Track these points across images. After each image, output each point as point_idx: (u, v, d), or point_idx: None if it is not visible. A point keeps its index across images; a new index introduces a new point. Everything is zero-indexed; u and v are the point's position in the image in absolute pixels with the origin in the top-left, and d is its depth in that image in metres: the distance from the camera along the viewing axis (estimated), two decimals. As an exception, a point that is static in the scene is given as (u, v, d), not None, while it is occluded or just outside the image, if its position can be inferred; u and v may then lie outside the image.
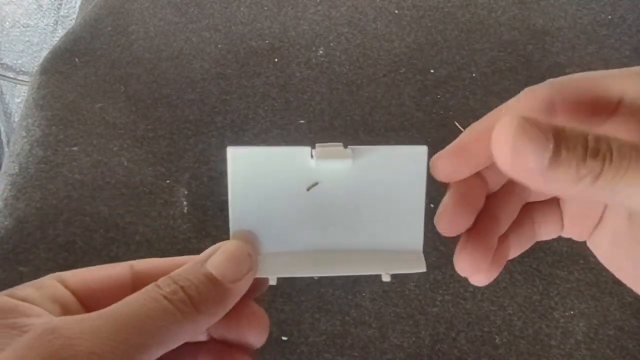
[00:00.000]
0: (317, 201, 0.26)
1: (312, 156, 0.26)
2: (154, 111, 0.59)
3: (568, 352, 0.44)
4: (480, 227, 0.27)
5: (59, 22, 1.08)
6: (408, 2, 0.71)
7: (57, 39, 0.81)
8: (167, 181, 0.53)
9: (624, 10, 0.71)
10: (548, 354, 0.44)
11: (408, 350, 0.44)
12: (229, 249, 0.26)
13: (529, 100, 0.27)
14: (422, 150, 0.27)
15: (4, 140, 1.16)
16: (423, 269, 0.27)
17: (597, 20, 0.69)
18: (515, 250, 0.29)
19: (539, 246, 0.49)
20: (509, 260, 0.50)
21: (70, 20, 1.08)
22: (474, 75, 0.63)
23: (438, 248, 0.49)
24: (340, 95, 0.61)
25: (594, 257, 0.48)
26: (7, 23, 1.09)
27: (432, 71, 0.63)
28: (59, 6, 1.07)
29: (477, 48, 0.66)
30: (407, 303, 0.46)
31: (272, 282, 0.27)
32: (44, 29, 1.09)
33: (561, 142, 0.21)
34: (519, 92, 0.28)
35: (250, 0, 0.71)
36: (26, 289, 0.26)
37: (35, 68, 0.63)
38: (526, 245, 0.30)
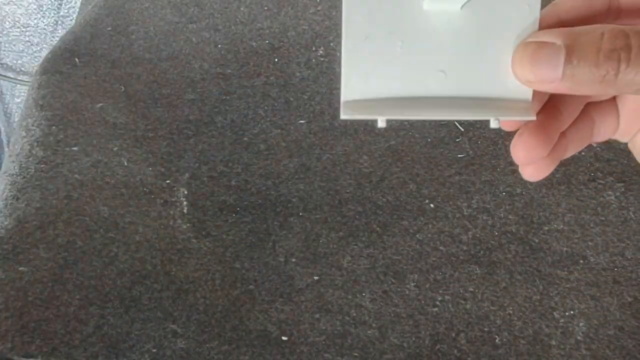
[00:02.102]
0: (429, 45, 0.25)
1: None
2: (153, 111, 0.59)
3: (568, 352, 0.44)
4: (543, 118, 0.27)
5: (59, 22, 1.08)
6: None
7: (57, 39, 0.81)
8: (167, 181, 0.53)
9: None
10: (548, 354, 0.44)
11: (408, 350, 0.44)
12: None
13: None
14: None
15: (4, 140, 1.16)
16: (533, 118, 0.26)
17: (597, 20, 0.69)
18: (572, 147, 0.29)
19: (539, 246, 0.49)
20: (509, 260, 0.50)
21: (70, 20, 1.08)
22: (474, 75, 0.63)
23: (438, 248, 0.49)
24: (340, 95, 0.61)
25: (594, 257, 0.49)
26: (7, 23, 1.09)
27: (432, 71, 0.63)
28: (59, 6, 1.07)
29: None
30: (407, 303, 0.46)
31: (382, 123, 0.26)
32: (44, 29, 1.09)
33: (573, 50, 0.21)
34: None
35: (250, 0, 0.71)
36: None
37: (35, 68, 0.63)
38: (582, 145, 0.29)
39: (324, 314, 0.45)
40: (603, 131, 0.29)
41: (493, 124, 0.26)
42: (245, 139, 0.56)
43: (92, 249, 0.47)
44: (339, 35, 0.67)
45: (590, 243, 0.49)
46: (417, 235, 0.49)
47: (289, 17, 0.69)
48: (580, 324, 0.45)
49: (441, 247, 0.48)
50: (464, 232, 0.49)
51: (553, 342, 0.44)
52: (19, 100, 1.14)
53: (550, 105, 0.27)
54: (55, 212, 0.48)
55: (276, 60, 0.64)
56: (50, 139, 0.54)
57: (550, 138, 0.26)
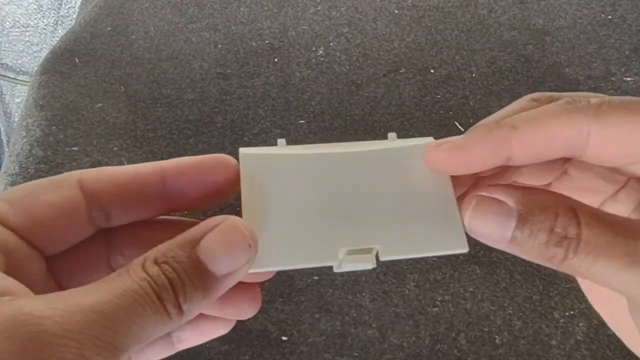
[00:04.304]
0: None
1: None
2: (153, 111, 0.59)
3: (568, 352, 0.44)
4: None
5: (59, 22, 1.08)
6: (408, 2, 0.71)
7: (57, 39, 0.81)
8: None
9: (624, 10, 0.71)
10: (548, 354, 0.44)
11: (408, 350, 0.44)
12: (227, 231, 0.22)
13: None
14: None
15: (4, 140, 1.16)
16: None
17: (597, 20, 0.69)
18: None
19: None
20: (509, 260, 0.50)
21: (70, 20, 1.08)
22: (474, 75, 0.63)
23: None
24: (340, 95, 0.61)
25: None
26: (7, 23, 1.09)
27: (432, 71, 0.63)
28: (59, 6, 1.07)
29: (477, 48, 0.66)
30: (407, 303, 0.46)
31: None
32: (44, 29, 1.09)
33: (526, 221, 0.21)
34: (518, 91, 0.28)
35: (250, 0, 0.71)
36: None
37: (35, 68, 0.63)
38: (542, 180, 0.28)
39: (324, 314, 0.45)
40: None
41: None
42: (245, 139, 0.56)
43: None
44: (339, 35, 0.67)
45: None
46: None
47: (289, 17, 0.69)
48: (580, 324, 0.45)
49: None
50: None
51: (553, 342, 0.44)
52: (19, 100, 1.14)
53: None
54: (55, 212, 0.48)
55: (276, 60, 0.64)
56: (50, 139, 0.54)
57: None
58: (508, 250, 0.22)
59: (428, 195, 0.24)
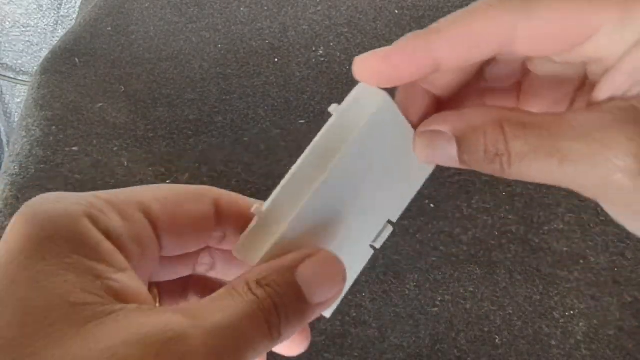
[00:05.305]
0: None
1: None
2: (153, 111, 0.59)
3: (568, 352, 0.44)
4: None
5: (59, 22, 1.08)
6: (408, 2, 0.71)
7: (57, 39, 0.81)
8: (167, 181, 0.53)
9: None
10: (548, 354, 0.44)
11: (408, 350, 0.44)
12: (326, 262, 0.22)
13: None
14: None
15: (4, 140, 1.16)
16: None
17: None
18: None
19: (539, 246, 0.49)
20: (509, 260, 0.50)
21: (70, 20, 1.08)
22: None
23: (438, 248, 0.49)
24: (340, 95, 0.61)
25: (594, 257, 0.49)
26: (7, 23, 1.09)
27: (432, 71, 0.63)
28: (59, 6, 1.07)
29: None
30: (407, 303, 0.46)
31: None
32: (44, 29, 1.09)
33: (463, 146, 0.22)
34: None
35: (250, 0, 0.71)
36: (112, 215, 0.21)
37: (35, 68, 0.63)
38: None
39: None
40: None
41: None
42: (245, 139, 0.56)
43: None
44: (339, 35, 0.67)
45: (590, 243, 0.49)
46: (417, 235, 0.49)
47: (289, 17, 0.69)
48: (580, 324, 0.45)
49: (441, 247, 0.48)
50: (464, 232, 0.49)
51: (553, 342, 0.44)
52: (19, 100, 1.14)
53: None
54: (55, 212, 0.48)
55: (276, 60, 0.64)
56: (50, 139, 0.54)
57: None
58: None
59: (397, 148, 0.25)
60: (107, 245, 0.20)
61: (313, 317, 0.22)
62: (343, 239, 0.24)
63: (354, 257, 0.25)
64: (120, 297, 0.19)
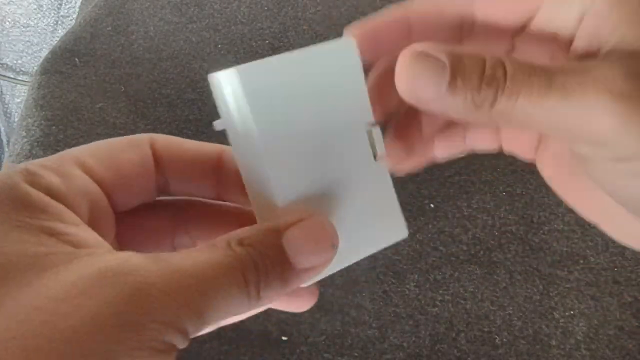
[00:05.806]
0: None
1: None
2: (154, 111, 0.59)
3: (568, 352, 0.44)
4: (404, 123, 0.27)
5: (59, 22, 1.08)
6: (408, 2, 0.71)
7: (57, 39, 0.81)
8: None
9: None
10: (548, 354, 0.44)
11: (408, 350, 0.44)
12: (314, 227, 0.22)
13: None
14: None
15: (4, 140, 1.16)
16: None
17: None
18: (441, 152, 0.28)
19: (539, 246, 0.49)
20: (509, 260, 0.50)
21: (70, 20, 1.08)
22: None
23: (438, 248, 0.49)
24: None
25: (594, 257, 0.49)
26: (7, 23, 1.09)
27: (432, 71, 0.63)
28: (59, 6, 1.07)
29: (477, 48, 0.66)
30: (407, 303, 0.46)
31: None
32: (44, 29, 1.09)
33: (457, 70, 0.21)
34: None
35: (250, 0, 0.71)
36: (48, 175, 0.21)
37: (35, 68, 0.63)
38: (455, 151, 0.28)
39: (324, 314, 0.45)
40: (479, 143, 0.28)
41: None
42: (245, 139, 0.56)
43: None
44: (339, 35, 0.67)
45: (590, 243, 0.49)
46: (417, 235, 0.49)
47: (289, 17, 0.69)
48: (580, 324, 0.45)
49: (441, 247, 0.48)
50: (464, 232, 0.49)
51: (553, 342, 0.44)
52: (19, 100, 1.14)
53: (411, 113, 0.27)
54: (55, 212, 0.48)
55: (276, 60, 0.64)
56: (50, 139, 0.54)
57: (407, 144, 0.26)
58: (437, 110, 0.22)
59: (343, 88, 0.26)
60: (53, 204, 0.20)
61: (299, 283, 0.21)
62: (341, 175, 0.24)
63: (367, 185, 0.25)
64: (82, 248, 0.19)
